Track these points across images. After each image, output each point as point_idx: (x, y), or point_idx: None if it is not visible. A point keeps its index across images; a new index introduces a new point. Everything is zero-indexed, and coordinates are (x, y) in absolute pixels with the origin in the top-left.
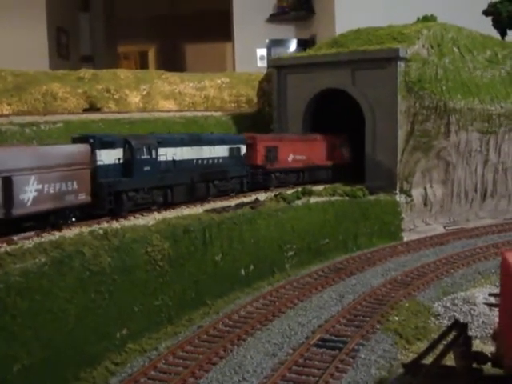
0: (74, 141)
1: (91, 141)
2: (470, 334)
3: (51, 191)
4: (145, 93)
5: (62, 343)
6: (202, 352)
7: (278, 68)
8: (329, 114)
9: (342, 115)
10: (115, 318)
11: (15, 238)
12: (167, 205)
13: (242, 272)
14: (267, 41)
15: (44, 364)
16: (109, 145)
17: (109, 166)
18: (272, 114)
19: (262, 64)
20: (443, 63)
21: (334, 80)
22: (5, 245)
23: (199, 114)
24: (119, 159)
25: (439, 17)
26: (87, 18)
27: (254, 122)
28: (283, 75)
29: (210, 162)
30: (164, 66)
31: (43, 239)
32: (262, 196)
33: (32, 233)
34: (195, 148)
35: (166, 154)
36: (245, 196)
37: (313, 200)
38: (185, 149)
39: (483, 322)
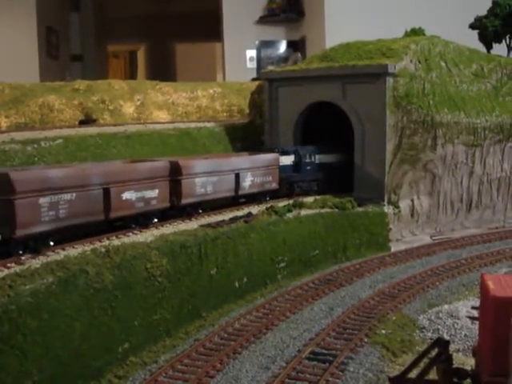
0: (263, 150)
1: (276, 150)
2: (452, 347)
3: (258, 181)
4: (139, 103)
5: (69, 359)
6: (200, 365)
7: (270, 81)
8: (318, 126)
9: (331, 127)
10: (117, 333)
11: (23, 258)
12: (318, 192)
13: (236, 284)
14: (257, 42)
15: (53, 379)
16: (286, 153)
17: (286, 166)
18: (263, 125)
19: (252, 65)
20: (430, 78)
21: (325, 93)
22: (13, 265)
23: (192, 125)
24: (292, 161)
25: (426, 28)
26: (77, 18)
27: (245, 133)
28: (275, 88)
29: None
30: (153, 65)
31: (49, 259)
32: (254, 209)
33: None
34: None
35: (319, 159)
36: (238, 209)
37: (303, 212)
38: (329, 155)
39: (465, 334)
